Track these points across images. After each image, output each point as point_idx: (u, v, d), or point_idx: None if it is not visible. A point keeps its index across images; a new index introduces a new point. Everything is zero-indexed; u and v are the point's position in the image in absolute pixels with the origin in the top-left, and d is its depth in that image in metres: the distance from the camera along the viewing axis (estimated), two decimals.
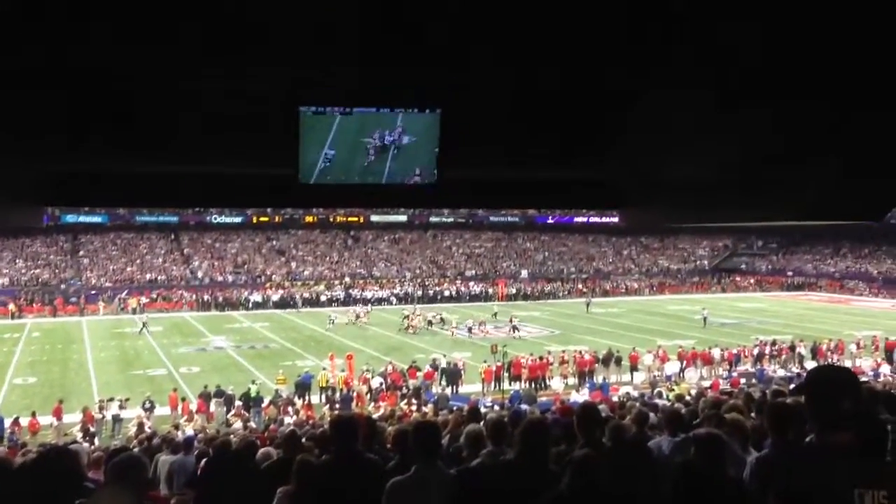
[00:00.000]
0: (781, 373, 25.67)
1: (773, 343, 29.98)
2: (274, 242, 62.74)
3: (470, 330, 38.04)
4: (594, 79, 3.79)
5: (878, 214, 4.72)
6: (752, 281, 63.48)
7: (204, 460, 7.82)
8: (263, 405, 21.62)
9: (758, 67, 3.52)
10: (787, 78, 3.62)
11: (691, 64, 3.50)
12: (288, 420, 18.88)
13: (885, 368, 25.72)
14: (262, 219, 61.63)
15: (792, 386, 14.30)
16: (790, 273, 64.53)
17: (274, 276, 56.68)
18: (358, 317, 42.22)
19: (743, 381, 24.20)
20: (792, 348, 29.26)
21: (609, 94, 4.02)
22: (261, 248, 61.67)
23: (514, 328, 38.03)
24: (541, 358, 26.95)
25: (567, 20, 3.15)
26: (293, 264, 59.61)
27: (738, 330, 38.01)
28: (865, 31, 3.09)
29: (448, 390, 24.27)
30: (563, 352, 28.39)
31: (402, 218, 65.58)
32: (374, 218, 64.23)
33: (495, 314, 43.23)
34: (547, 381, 26.03)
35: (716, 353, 28.02)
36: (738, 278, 64.63)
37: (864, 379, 18.08)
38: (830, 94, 3.71)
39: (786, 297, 56.04)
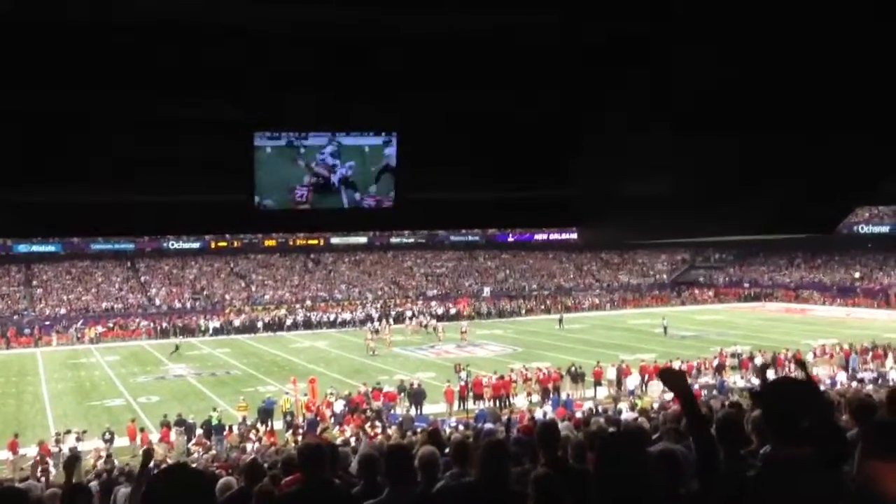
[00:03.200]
0: (742, 383, 26.00)
1: (734, 354, 30.35)
2: (232, 267, 62.07)
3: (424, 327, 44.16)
4: (551, 101, 3.82)
5: (830, 227, 4.81)
6: (710, 293, 64.31)
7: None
8: (225, 433, 21.30)
9: (714, 93, 3.58)
10: (743, 105, 3.69)
11: (647, 90, 3.55)
12: (251, 447, 18.62)
13: (842, 376, 26.18)
14: (220, 244, 60.85)
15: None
16: (747, 284, 65.52)
17: (234, 301, 56.03)
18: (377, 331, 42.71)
19: (704, 392, 24.46)
20: (751, 358, 29.60)
21: (567, 114, 4.06)
22: (220, 273, 60.96)
23: (462, 332, 42.19)
24: (502, 377, 26.97)
25: (523, 48, 3.18)
26: (253, 288, 59.01)
27: (698, 342, 38.42)
28: (818, 60, 3.16)
29: (413, 411, 24.16)
30: (526, 369, 28.42)
31: (363, 240, 65.33)
32: (335, 240, 63.88)
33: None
34: (511, 398, 26.03)
35: (676, 365, 28.24)
36: (696, 291, 65.44)
37: (821, 388, 18.38)
38: (785, 122, 3.79)
39: (743, 309, 56.83)
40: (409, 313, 52.35)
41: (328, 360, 36.71)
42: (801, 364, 6.75)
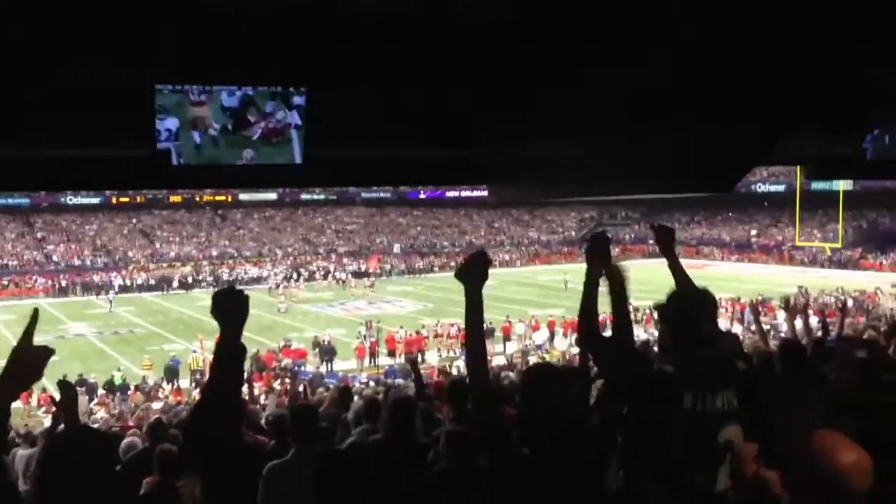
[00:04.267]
0: (644, 336, 26.89)
1: (636, 309, 31.27)
2: (136, 223, 60.13)
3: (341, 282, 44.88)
4: (463, 64, 3.80)
5: (728, 186, 4.98)
6: (616, 250, 65.98)
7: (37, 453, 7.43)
8: (129, 392, 20.84)
9: (623, 59, 3.64)
10: (650, 71, 3.78)
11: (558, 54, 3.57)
12: (157, 406, 18.25)
13: (737, 328, 27.37)
14: (122, 199, 58.78)
15: (656, 348, 15.01)
16: (651, 241, 67.51)
17: (138, 258, 54.37)
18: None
19: None
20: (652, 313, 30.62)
21: (477, 77, 4.05)
22: (122, 229, 58.98)
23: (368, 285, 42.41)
24: (417, 332, 27.19)
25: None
26: (157, 245, 57.37)
27: (604, 297, 39.34)
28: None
29: (323, 368, 24.15)
30: (437, 324, 28.71)
31: (272, 196, 64.22)
32: (243, 196, 62.62)
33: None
34: (423, 354, 26.28)
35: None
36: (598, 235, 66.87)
37: None
38: (686, 87, 3.90)
39: (648, 264, 58.53)
40: (321, 270, 52.14)
41: None
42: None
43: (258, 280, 48.76)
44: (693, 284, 3.60)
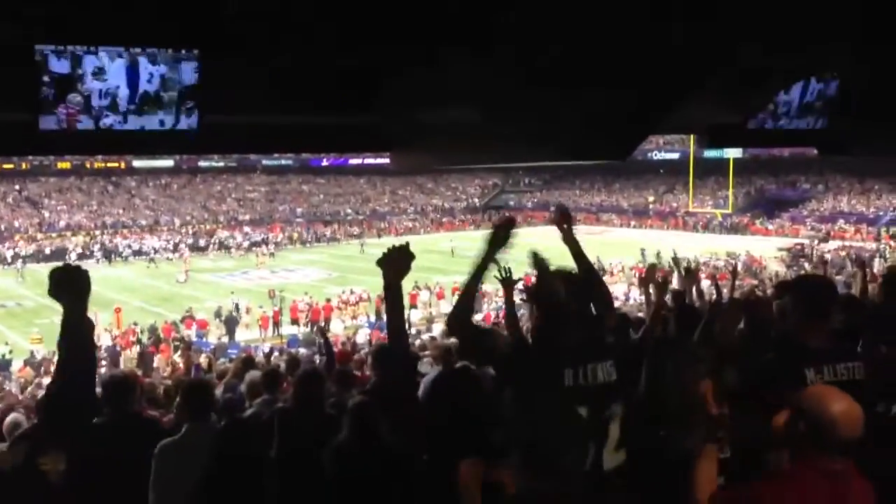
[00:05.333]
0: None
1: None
2: (20, 190, 57.16)
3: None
4: (365, 28, 3.75)
5: (624, 154, 5.11)
6: (519, 218, 66.90)
7: None
8: (19, 368, 19.99)
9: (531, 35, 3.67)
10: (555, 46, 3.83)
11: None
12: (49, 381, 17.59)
13: (635, 293, 28.26)
14: (6, 166, 55.69)
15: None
16: (552, 208, 68.70)
17: (25, 228, 51.75)
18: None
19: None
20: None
21: (377, 43, 4.01)
22: (6, 197, 56.00)
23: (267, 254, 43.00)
24: (329, 300, 27.03)
25: None
26: (46, 214, 54.77)
27: (510, 265, 39.87)
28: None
29: (226, 339, 23.75)
30: (343, 293, 28.59)
31: (169, 163, 62.05)
32: (137, 163, 60.25)
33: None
34: (329, 323, 26.15)
35: (488, 288, 29.34)
36: (506, 214, 67.83)
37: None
38: (584, 61, 3.97)
39: (550, 231, 59.55)
40: (219, 239, 51.10)
41: (133, 288, 34.98)
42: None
43: (154, 251, 47.19)
44: (587, 262, 3.62)
